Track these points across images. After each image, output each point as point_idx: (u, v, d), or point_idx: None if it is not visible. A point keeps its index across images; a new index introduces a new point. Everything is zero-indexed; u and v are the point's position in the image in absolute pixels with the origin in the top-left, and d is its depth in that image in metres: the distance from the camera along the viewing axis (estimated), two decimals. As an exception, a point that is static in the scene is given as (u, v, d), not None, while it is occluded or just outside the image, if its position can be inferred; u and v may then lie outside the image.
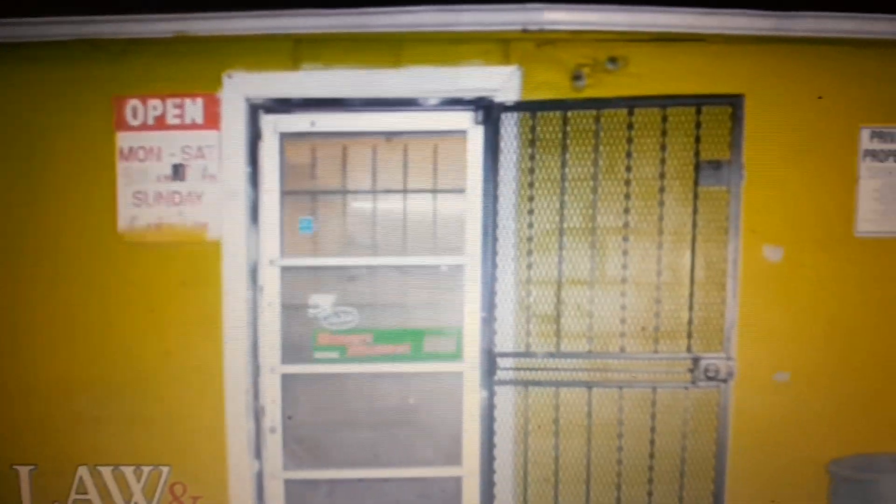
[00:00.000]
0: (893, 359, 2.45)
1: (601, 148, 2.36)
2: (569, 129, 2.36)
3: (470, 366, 2.42)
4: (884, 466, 2.46)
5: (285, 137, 2.38)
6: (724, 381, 2.38)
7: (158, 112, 2.35)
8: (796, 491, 2.48)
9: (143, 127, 2.36)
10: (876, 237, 2.41)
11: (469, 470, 2.45)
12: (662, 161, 2.35)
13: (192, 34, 2.31)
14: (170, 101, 2.35)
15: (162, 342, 2.41)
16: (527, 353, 2.41)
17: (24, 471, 2.46)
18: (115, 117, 2.37)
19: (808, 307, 2.42)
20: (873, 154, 2.38)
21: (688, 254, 2.37)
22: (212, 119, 2.35)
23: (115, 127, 2.37)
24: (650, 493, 2.44)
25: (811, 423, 2.45)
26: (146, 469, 2.44)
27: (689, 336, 2.39)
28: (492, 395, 2.41)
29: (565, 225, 2.39)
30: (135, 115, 2.36)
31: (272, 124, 2.37)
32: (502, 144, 2.36)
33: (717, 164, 2.34)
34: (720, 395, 2.39)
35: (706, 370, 2.38)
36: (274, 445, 2.45)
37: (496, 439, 2.43)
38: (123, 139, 2.37)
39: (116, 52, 2.35)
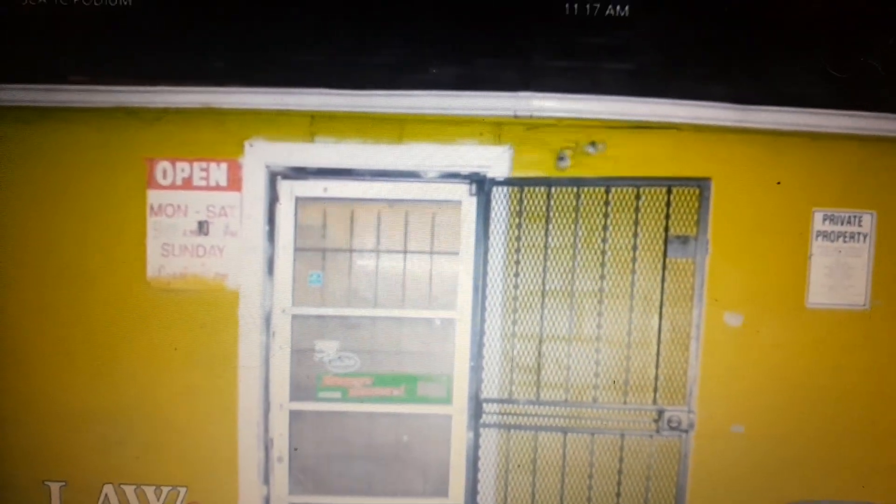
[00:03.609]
0: (839, 416, 2.71)
1: (580, 221, 2.63)
2: (552, 203, 2.63)
3: (458, 409, 2.70)
4: (828, 512, 2.73)
5: (300, 200, 2.66)
6: (686, 431, 2.66)
7: (186, 174, 2.63)
8: (747, 532, 2.76)
9: (172, 186, 2.63)
10: (825, 308, 2.68)
11: (455, 502, 2.73)
12: (635, 234, 2.62)
13: (216, 106, 2.58)
14: (196, 165, 2.63)
15: (183, 378, 2.69)
16: (510, 400, 2.69)
17: (55, 487, 2.74)
18: (147, 177, 2.64)
19: (763, 368, 2.69)
20: (825, 234, 2.65)
21: (656, 317, 2.65)
22: (234, 182, 2.63)
23: (147, 185, 2.64)
24: (616, 529, 2.72)
25: (763, 473, 2.72)
26: (165, 489, 2.72)
27: (655, 390, 2.67)
28: (477, 436, 2.69)
29: (547, 287, 2.67)
30: (164, 176, 2.63)
31: (288, 189, 2.65)
32: (493, 214, 2.63)
33: (684, 239, 2.61)
34: (682, 444, 2.67)
35: (669, 421, 2.66)
36: (281, 473, 2.73)
37: (480, 476, 2.70)
38: (154, 196, 2.64)
39: (150, 118, 2.62)
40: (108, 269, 2.66)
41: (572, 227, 2.63)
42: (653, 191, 2.60)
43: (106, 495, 2.73)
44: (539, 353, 2.68)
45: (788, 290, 2.67)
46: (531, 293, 2.67)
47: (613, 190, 2.61)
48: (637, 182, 2.60)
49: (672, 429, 2.64)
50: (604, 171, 2.61)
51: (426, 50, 2.61)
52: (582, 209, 2.63)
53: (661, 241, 2.62)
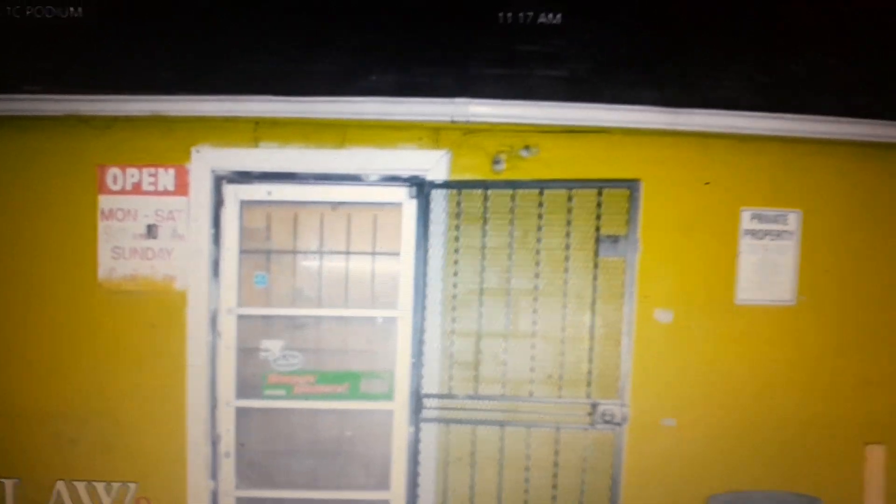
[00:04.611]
0: (767, 409, 2.80)
1: (516, 222, 2.73)
2: (489, 205, 2.73)
3: (400, 405, 2.79)
4: (756, 501, 2.82)
5: (244, 204, 2.75)
6: (619, 424, 2.75)
7: (136, 179, 2.72)
8: (681, 522, 2.84)
9: (122, 192, 2.72)
10: (753, 304, 2.78)
11: (396, 495, 2.81)
12: (568, 234, 2.72)
13: (164, 114, 2.67)
14: (145, 170, 2.72)
15: (134, 376, 2.77)
16: (449, 395, 2.78)
17: (9, 483, 2.81)
18: (98, 182, 2.73)
19: (693, 363, 2.79)
20: (752, 233, 2.75)
21: (588, 314, 2.74)
22: (181, 187, 2.72)
23: (98, 191, 2.73)
24: (554, 520, 2.81)
25: (694, 463, 2.81)
26: (116, 485, 2.80)
27: (589, 384, 2.76)
28: (418, 430, 2.78)
29: (485, 286, 2.76)
30: (115, 182, 2.72)
31: (233, 193, 2.74)
32: (432, 216, 2.73)
33: (615, 238, 2.71)
34: (615, 437, 2.76)
35: (603, 414, 2.75)
36: (228, 468, 2.81)
37: (420, 469, 2.79)
38: (105, 201, 2.73)
39: (101, 126, 2.71)
40: (60, 272, 2.75)
41: (508, 227, 2.73)
42: (584, 192, 2.70)
43: (59, 492, 2.80)
44: (477, 350, 2.77)
45: (718, 287, 2.76)
46: (469, 292, 2.76)
47: (547, 192, 2.71)
48: (569, 184, 2.69)
49: (606, 422, 2.73)
50: (538, 173, 2.71)
51: (367, 58, 2.71)
52: (517, 211, 2.72)
53: (592, 241, 2.71)
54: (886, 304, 2.81)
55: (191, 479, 2.79)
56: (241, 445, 2.80)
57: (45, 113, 2.69)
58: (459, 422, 2.77)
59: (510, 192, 2.71)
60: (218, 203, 2.74)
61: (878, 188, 2.77)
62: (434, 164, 2.70)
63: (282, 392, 2.77)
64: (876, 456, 2.86)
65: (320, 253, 2.76)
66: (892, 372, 2.84)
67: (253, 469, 2.82)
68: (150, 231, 2.72)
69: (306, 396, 2.77)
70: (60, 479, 2.80)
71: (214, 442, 2.79)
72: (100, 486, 2.79)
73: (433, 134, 2.70)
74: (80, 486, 2.80)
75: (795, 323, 2.78)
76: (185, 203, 2.72)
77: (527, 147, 2.70)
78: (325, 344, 2.78)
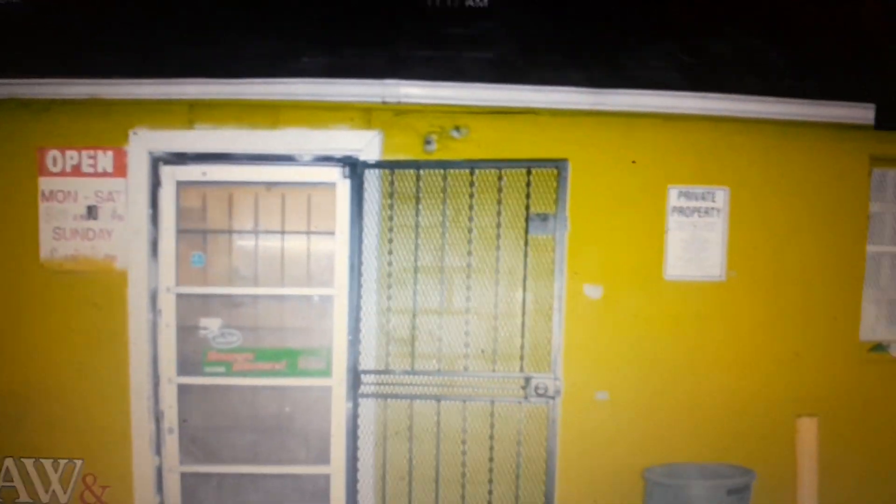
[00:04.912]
0: (698, 383, 2.87)
1: (448, 201, 2.78)
2: (421, 184, 2.78)
3: (338, 381, 2.85)
4: (690, 473, 2.88)
5: (181, 185, 2.81)
6: (553, 397, 2.81)
7: (75, 161, 2.77)
8: (616, 493, 2.90)
9: (62, 174, 2.78)
10: (683, 280, 2.84)
11: (336, 468, 2.88)
12: (499, 213, 2.78)
13: (102, 97, 2.72)
14: (84, 153, 2.77)
15: (78, 355, 2.82)
16: (386, 371, 2.84)
17: (-43, 461, 2.89)
18: (38, 165, 2.78)
19: (625, 338, 2.85)
20: (680, 210, 2.81)
21: (520, 290, 2.80)
22: (120, 168, 2.77)
23: (39, 173, 2.79)
24: (490, 492, 2.87)
25: (628, 436, 2.88)
26: (62, 462, 2.86)
27: (522, 359, 2.82)
28: (356, 405, 2.84)
29: (419, 264, 2.82)
30: (55, 164, 2.77)
31: (170, 174, 2.79)
32: (366, 195, 2.78)
33: (544, 217, 2.77)
34: (549, 410, 2.82)
35: (536, 388, 2.81)
36: (172, 444, 2.88)
37: (359, 443, 2.85)
38: (45, 183, 2.78)
39: (40, 109, 2.76)
40: (2, 253, 2.80)
41: (441, 206, 2.78)
42: (514, 172, 2.76)
43: (7, 469, 2.86)
44: (413, 326, 2.83)
45: (647, 264, 2.82)
46: (404, 270, 2.82)
47: (478, 171, 2.76)
48: (499, 164, 2.75)
49: (539, 395, 2.79)
50: (468, 153, 2.76)
51: (299, 42, 2.76)
52: (449, 190, 2.78)
53: (523, 219, 2.77)
54: (814, 278, 2.87)
55: (136, 455, 2.86)
56: (183, 422, 2.87)
57: (-18, 96, 2.73)
58: (397, 397, 2.84)
59: (442, 171, 2.77)
60: (155, 184, 2.79)
61: (803, 165, 2.83)
62: (366, 144, 2.76)
63: (221, 369, 2.83)
64: (807, 428, 2.92)
65: (256, 233, 2.82)
66: (822, 346, 2.90)
67: (196, 445, 2.88)
68: (91, 212, 2.78)
69: (245, 373, 2.83)
70: (9, 457, 2.85)
71: (158, 418, 2.86)
72: (47, 464, 2.86)
73: (365, 115, 2.75)
74: (28, 464, 2.86)
75: (725, 298, 2.84)
76: (124, 184, 2.78)
77: (457, 128, 2.76)
78: (263, 322, 2.84)
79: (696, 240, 2.81)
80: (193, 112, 2.76)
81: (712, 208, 2.81)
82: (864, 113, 2.77)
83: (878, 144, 2.81)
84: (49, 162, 2.78)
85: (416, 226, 2.80)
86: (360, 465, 2.86)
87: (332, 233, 2.81)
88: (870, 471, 2.90)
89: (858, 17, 2.89)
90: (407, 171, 2.77)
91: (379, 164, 2.76)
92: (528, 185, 2.75)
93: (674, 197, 2.80)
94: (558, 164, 2.72)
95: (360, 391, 2.83)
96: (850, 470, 2.91)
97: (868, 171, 2.85)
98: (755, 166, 2.82)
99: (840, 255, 2.87)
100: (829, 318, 2.89)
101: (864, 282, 2.89)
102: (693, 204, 2.80)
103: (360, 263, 2.80)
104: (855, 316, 2.90)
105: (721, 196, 2.81)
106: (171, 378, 2.85)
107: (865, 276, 2.89)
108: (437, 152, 2.77)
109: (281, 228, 2.82)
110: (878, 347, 2.92)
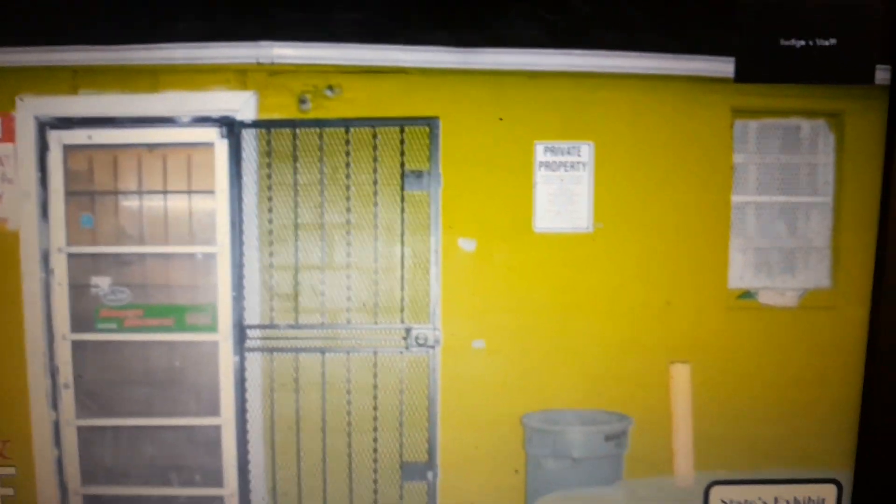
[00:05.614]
0: (569, 332, 2.99)
1: (325, 159, 2.90)
2: (298, 143, 2.90)
3: (224, 336, 2.97)
4: (568, 420, 3.01)
5: (68, 148, 2.91)
6: (432, 347, 2.94)
7: (-35, 127, 2.88)
8: (497, 439, 3.02)
9: (-47, 140, 2.89)
10: (552, 232, 2.95)
11: (226, 420, 3.01)
12: (375, 170, 2.89)
13: (-12, 64, 2.83)
14: (-26, 119, 2.88)
15: (-25, 315, 2.95)
16: (271, 325, 2.96)
17: None
18: (-70, 131, 2.89)
19: (498, 288, 2.96)
20: (547, 165, 2.92)
21: (398, 245, 2.92)
22: (8, 134, 2.88)
23: (-70, 139, 2.90)
24: (376, 440, 3.00)
25: (506, 383, 3.00)
26: (-37, 419, 2.99)
27: (402, 311, 2.94)
28: (243, 360, 2.96)
29: (299, 221, 2.93)
30: (-55, 130, 2.88)
31: (57, 138, 2.90)
32: (244, 154, 2.89)
33: (419, 174, 2.88)
34: (430, 359, 2.95)
35: (417, 338, 2.94)
36: (68, 399, 3.00)
37: (247, 395, 2.98)
38: (-63, 149, 2.90)
39: (-70, 77, 2.87)
40: None
41: (318, 165, 2.90)
42: (388, 130, 2.87)
43: None
44: (296, 282, 2.94)
45: (517, 217, 2.93)
46: (285, 227, 2.93)
47: (353, 130, 2.87)
48: (373, 122, 2.86)
49: (420, 345, 2.92)
50: (343, 112, 2.87)
51: (175, 8, 2.86)
52: (326, 148, 2.89)
53: (398, 176, 2.88)
54: (682, 228, 2.98)
55: (33, 410, 2.98)
56: (78, 377, 2.98)
57: None
58: (282, 350, 2.96)
59: (317, 130, 2.88)
60: (43, 148, 2.90)
61: (668, 119, 2.94)
62: (242, 104, 2.86)
63: (113, 325, 2.95)
64: (680, 374, 3.05)
65: (140, 193, 2.93)
66: (692, 294, 3.02)
67: (92, 399, 3.00)
68: (-19, 177, 2.89)
69: (136, 329, 2.95)
70: None
71: (53, 374, 2.97)
72: (-52, 420, 2.97)
73: (240, 76, 2.86)
74: (-69, 421, 2.97)
75: (594, 249, 2.96)
76: (13, 149, 2.88)
77: (330, 87, 2.86)
78: (151, 279, 2.95)
79: (563, 193, 2.92)
80: (77, 78, 2.86)
81: (578, 162, 2.92)
82: (724, 66, 2.88)
83: (738, 96, 2.92)
84: (-60, 129, 2.89)
85: (295, 184, 2.91)
86: (249, 416, 2.98)
87: (212, 192, 2.92)
88: (739, 410, 3.03)
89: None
90: (283, 130, 2.88)
91: (255, 124, 2.87)
92: (402, 142, 2.87)
93: (540, 152, 2.91)
94: (430, 122, 2.84)
95: (245, 345, 2.95)
96: (722, 411, 3.04)
97: (730, 122, 2.96)
98: (621, 121, 2.93)
99: (707, 206, 2.98)
100: (698, 267, 3.00)
101: (731, 231, 3.00)
102: (559, 158, 2.91)
103: (242, 221, 2.92)
104: (723, 264, 3.01)
105: (586, 150, 2.92)
106: (65, 335, 2.96)
107: (731, 225, 3.00)
108: (313, 111, 2.88)
109: (163, 188, 2.93)
110: (746, 295, 3.04)
